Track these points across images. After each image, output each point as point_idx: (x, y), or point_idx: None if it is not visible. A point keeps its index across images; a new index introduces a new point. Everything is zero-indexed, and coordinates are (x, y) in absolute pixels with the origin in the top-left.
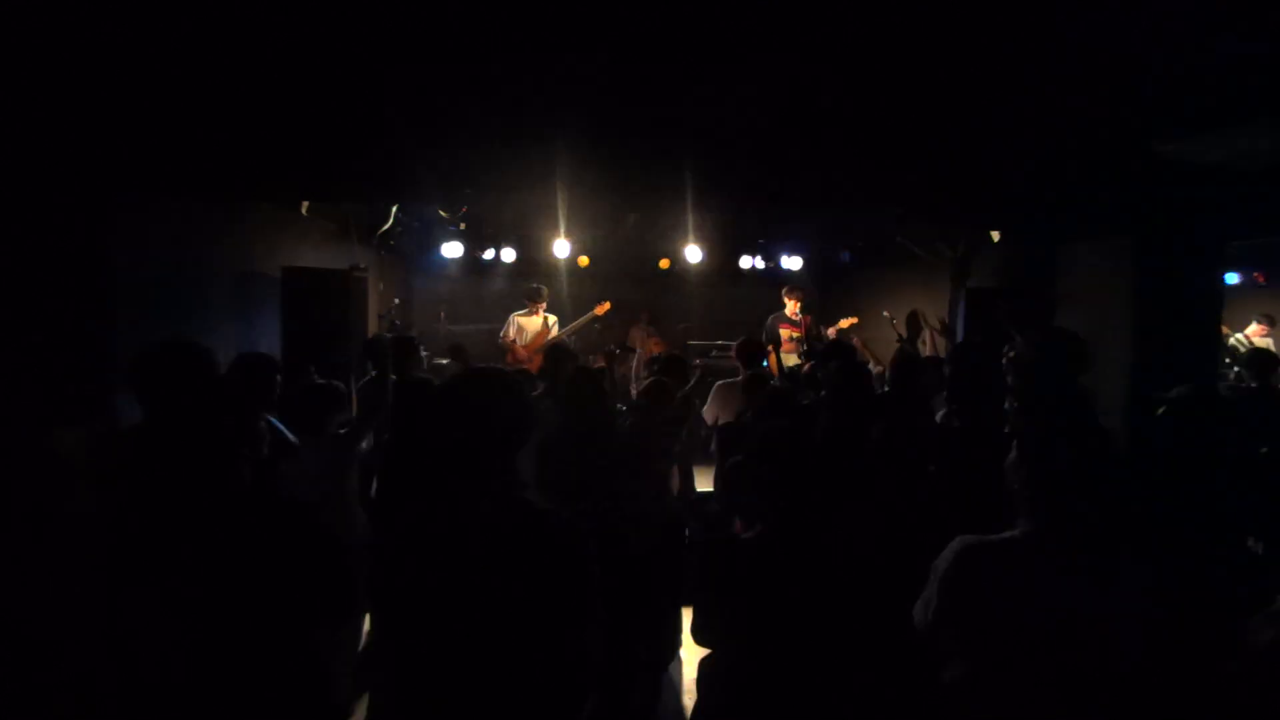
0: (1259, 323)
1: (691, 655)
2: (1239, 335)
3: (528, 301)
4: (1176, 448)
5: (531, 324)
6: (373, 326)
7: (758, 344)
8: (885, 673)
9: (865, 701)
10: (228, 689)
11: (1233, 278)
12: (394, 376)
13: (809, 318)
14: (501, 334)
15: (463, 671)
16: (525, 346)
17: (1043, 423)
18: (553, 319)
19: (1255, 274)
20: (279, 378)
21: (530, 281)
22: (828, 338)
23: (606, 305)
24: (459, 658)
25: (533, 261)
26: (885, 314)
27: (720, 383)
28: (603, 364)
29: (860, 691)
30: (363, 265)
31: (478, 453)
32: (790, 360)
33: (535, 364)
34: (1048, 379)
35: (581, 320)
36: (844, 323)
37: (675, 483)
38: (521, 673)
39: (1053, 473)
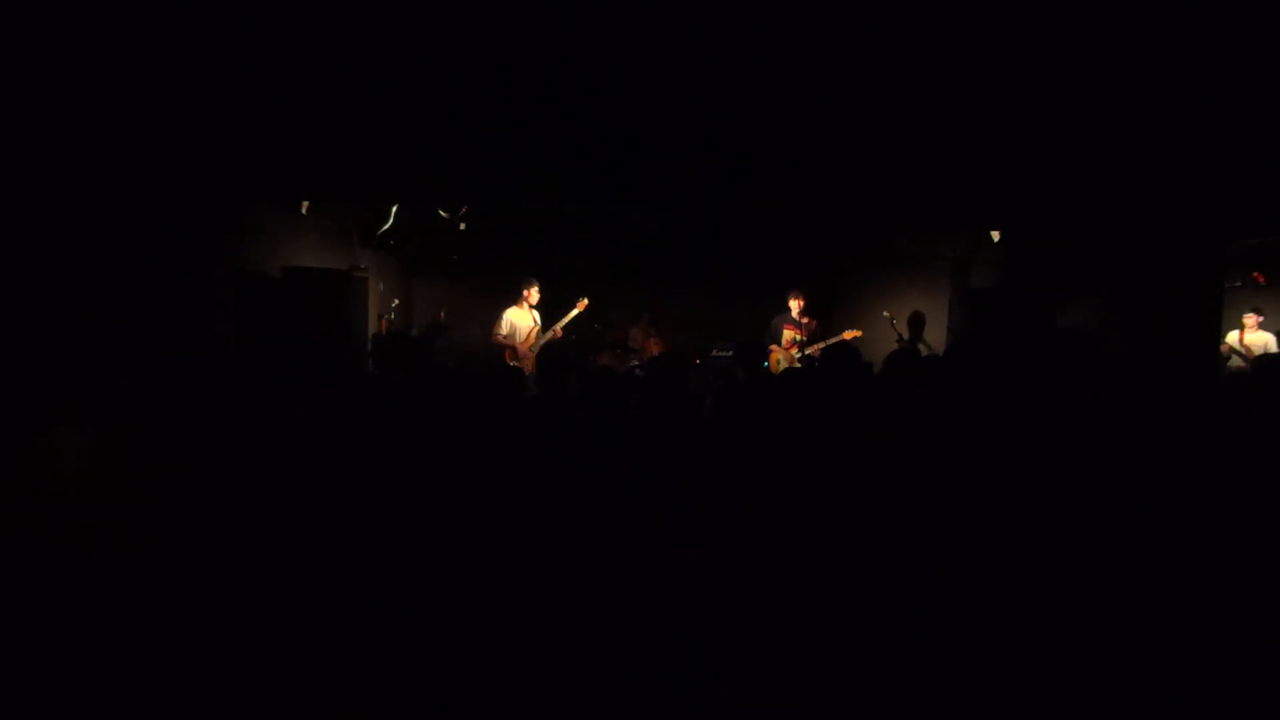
0: (1250, 314)
1: None
2: (1235, 338)
3: (524, 290)
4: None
5: (523, 320)
6: (373, 326)
7: (758, 346)
8: (891, 661)
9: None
10: (235, 682)
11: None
12: (406, 375)
13: (814, 322)
14: (494, 329)
15: None
16: (522, 343)
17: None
18: (536, 315)
19: (1255, 274)
20: (280, 377)
21: (529, 279)
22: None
23: (584, 303)
24: None
25: (530, 260)
26: (885, 314)
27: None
28: (608, 364)
29: (866, 682)
30: (363, 265)
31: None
32: (788, 362)
33: (529, 362)
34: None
35: (565, 319)
36: (847, 334)
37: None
38: None
39: None
